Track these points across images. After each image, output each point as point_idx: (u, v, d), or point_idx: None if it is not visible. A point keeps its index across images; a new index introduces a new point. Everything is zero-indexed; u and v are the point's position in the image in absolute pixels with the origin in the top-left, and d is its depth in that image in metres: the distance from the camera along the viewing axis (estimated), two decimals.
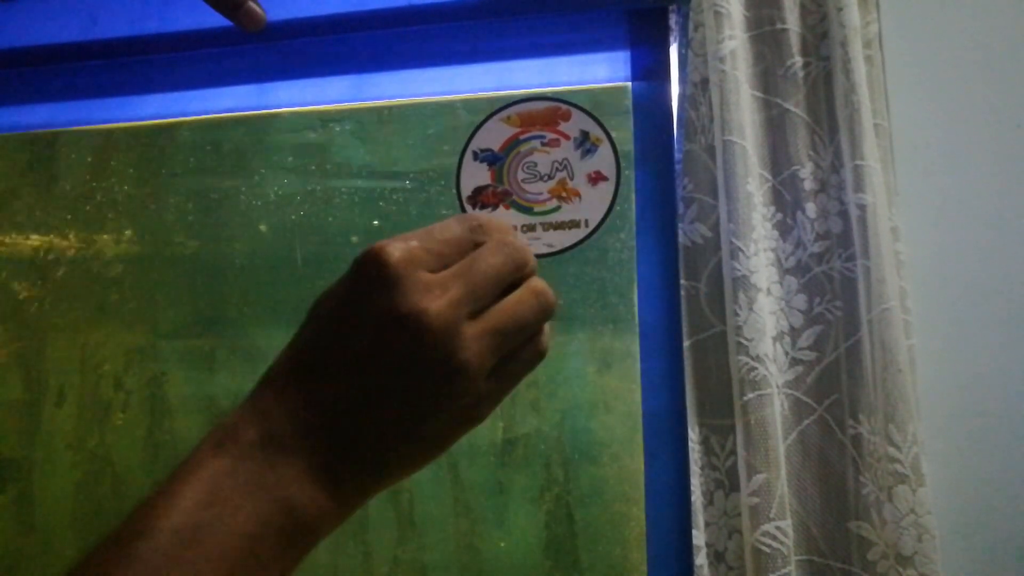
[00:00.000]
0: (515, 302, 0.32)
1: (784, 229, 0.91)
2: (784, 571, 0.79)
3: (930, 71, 0.96)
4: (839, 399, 0.85)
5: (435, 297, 0.29)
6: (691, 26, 0.95)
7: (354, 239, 1.15)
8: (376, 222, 1.15)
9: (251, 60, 1.18)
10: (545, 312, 0.33)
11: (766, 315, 0.85)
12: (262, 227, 1.18)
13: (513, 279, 0.32)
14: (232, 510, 0.27)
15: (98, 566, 0.26)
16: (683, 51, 0.99)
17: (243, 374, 1.15)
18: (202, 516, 0.27)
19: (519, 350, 0.32)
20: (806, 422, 0.87)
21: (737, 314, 0.85)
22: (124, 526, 0.27)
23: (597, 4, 1.04)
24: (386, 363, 0.30)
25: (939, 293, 0.91)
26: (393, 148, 1.17)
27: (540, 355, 0.33)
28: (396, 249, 0.30)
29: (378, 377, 0.30)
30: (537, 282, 0.33)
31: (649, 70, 1.07)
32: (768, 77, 0.94)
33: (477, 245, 0.32)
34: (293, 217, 1.17)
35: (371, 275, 0.30)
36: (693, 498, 0.86)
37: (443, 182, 1.14)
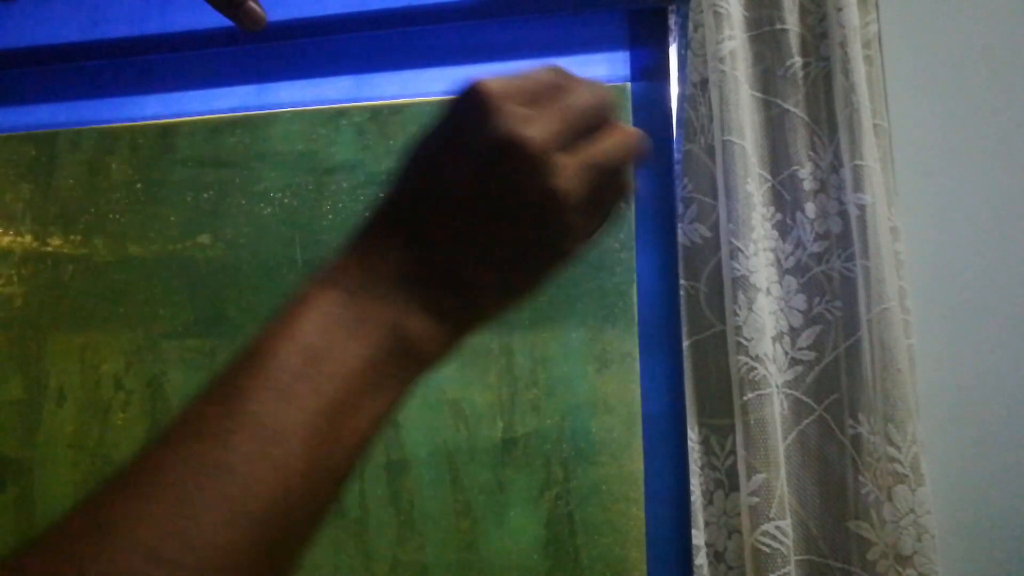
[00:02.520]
0: (607, 139, 0.32)
1: (784, 229, 0.91)
2: (784, 571, 0.79)
3: (929, 71, 0.96)
4: (838, 399, 0.85)
5: (532, 126, 0.30)
6: (691, 26, 0.95)
7: None
8: None
9: (251, 60, 1.18)
10: (632, 151, 0.34)
11: (766, 315, 0.85)
12: (262, 227, 1.18)
13: (600, 119, 0.33)
14: (347, 336, 0.29)
15: (229, 382, 0.27)
16: (683, 51, 0.99)
17: None
18: (320, 341, 0.28)
19: (607, 188, 0.33)
20: (806, 422, 0.87)
21: (737, 314, 0.85)
22: (247, 352, 0.28)
23: (597, 4, 1.04)
24: (484, 192, 0.30)
25: (938, 293, 0.91)
26: (393, 148, 1.17)
27: (626, 193, 0.34)
28: (493, 82, 0.31)
29: (477, 207, 0.30)
30: (623, 125, 0.34)
31: (648, 70, 1.07)
32: (768, 77, 0.94)
33: (564, 88, 0.33)
34: (293, 217, 1.17)
35: (468, 107, 0.31)
36: (693, 498, 0.86)
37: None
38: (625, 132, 0.33)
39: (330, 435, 0.27)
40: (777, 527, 0.80)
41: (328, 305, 0.29)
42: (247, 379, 0.27)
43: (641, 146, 0.34)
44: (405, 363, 0.30)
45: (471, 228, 0.31)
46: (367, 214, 0.33)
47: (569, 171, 0.30)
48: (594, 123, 0.32)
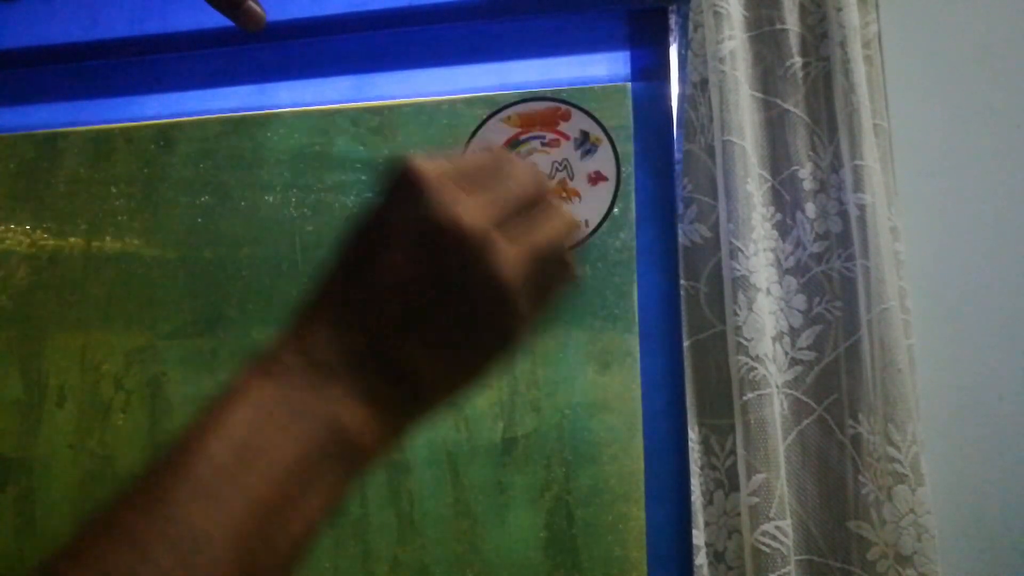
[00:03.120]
0: (544, 219, 0.32)
1: (784, 229, 0.91)
2: (784, 571, 0.79)
3: (929, 71, 0.96)
4: (838, 399, 0.85)
5: (469, 207, 0.29)
6: (691, 26, 0.95)
7: None
8: None
9: (251, 60, 1.18)
10: (571, 231, 0.33)
11: (766, 315, 0.85)
12: (262, 227, 1.18)
13: (536, 200, 0.32)
14: (282, 431, 0.27)
15: (152, 484, 0.26)
16: (683, 51, 0.99)
17: None
18: (253, 437, 0.27)
19: (549, 271, 0.32)
20: (805, 422, 0.87)
21: (737, 314, 0.85)
22: (175, 447, 0.27)
23: (597, 4, 1.04)
24: (425, 281, 0.29)
25: (938, 293, 0.91)
26: (393, 148, 1.17)
27: (571, 277, 0.34)
28: (429, 164, 0.30)
29: (418, 297, 0.29)
30: (559, 205, 0.33)
31: (649, 70, 1.07)
32: (768, 77, 0.94)
33: (500, 170, 0.32)
34: (293, 217, 1.17)
35: (404, 189, 0.30)
36: (693, 498, 0.86)
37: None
38: (562, 214, 0.33)
39: (260, 538, 0.26)
40: (777, 527, 0.80)
41: (260, 398, 0.28)
42: (170, 480, 0.25)
43: (579, 230, 0.34)
44: (342, 458, 0.28)
45: (409, 313, 0.29)
46: (304, 299, 0.31)
47: (509, 254, 0.29)
48: (531, 205, 0.32)
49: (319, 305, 0.31)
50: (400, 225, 0.30)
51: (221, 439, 0.26)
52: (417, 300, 0.29)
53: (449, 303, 0.29)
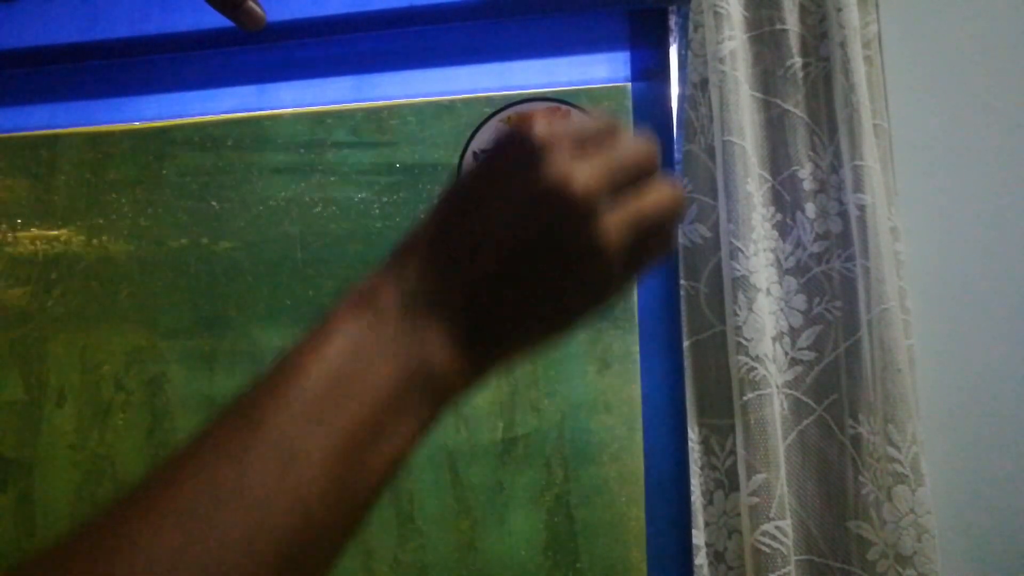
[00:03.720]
0: (652, 195, 0.32)
1: (784, 229, 0.91)
2: (784, 571, 0.79)
3: (929, 71, 0.96)
4: (838, 399, 0.85)
5: (580, 173, 0.30)
6: (691, 27, 0.95)
7: (354, 240, 1.15)
8: (377, 223, 1.15)
9: (251, 61, 1.18)
10: (678, 207, 0.33)
11: (766, 315, 0.85)
12: (262, 227, 1.18)
13: (647, 171, 0.33)
14: (376, 363, 0.28)
15: (251, 403, 0.27)
16: (683, 52, 0.99)
17: (243, 374, 1.15)
18: (348, 366, 0.28)
19: (648, 241, 0.33)
20: (806, 422, 0.87)
21: (737, 314, 0.85)
22: (273, 371, 0.28)
23: (597, 4, 1.04)
24: (527, 235, 0.30)
25: (938, 293, 0.91)
26: (393, 148, 1.17)
27: (669, 248, 0.34)
28: (544, 127, 0.31)
29: (518, 248, 0.30)
30: (670, 181, 0.34)
31: (649, 71, 1.07)
32: (768, 78, 0.94)
33: (612, 139, 0.33)
34: (293, 217, 1.17)
35: (517, 148, 0.31)
36: (693, 498, 0.86)
37: (443, 183, 1.14)
38: (670, 188, 0.33)
39: (353, 461, 0.27)
40: (777, 527, 0.80)
41: (356, 329, 0.29)
42: (270, 398, 0.27)
43: (684, 202, 0.34)
44: (430, 393, 0.30)
45: (509, 268, 0.30)
46: (409, 232, 0.32)
47: (614, 222, 0.30)
48: (640, 175, 0.32)
49: (419, 245, 0.31)
50: (510, 180, 0.31)
51: (318, 365, 0.27)
52: (516, 254, 0.30)
53: (547, 261, 0.30)
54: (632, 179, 0.32)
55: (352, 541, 0.27)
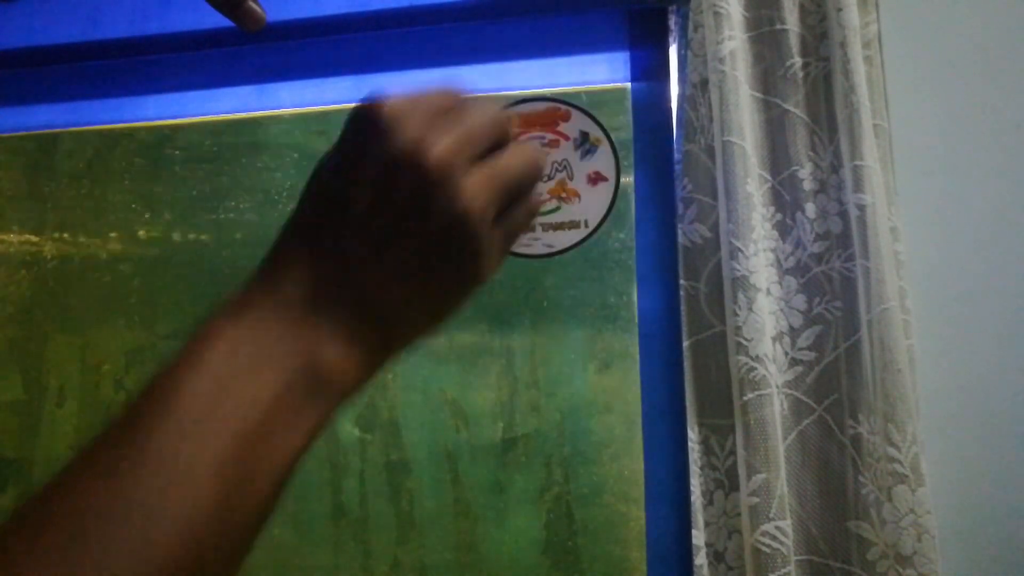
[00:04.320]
0: (510, 156, 0.32)
1: (783, 229, 0.91)
2: (784, 571, 0.79)
3: (929, 71, 0.96)
4: (838, 399, 0.85)
5: (433, 139, 0.29)
6: (691, 27, 0.95)
7: None
8: None
9: (251, 61, 1.18)
10: (537, 169, 0.33)
11: (765, 315, 0.85)
12: (262, 227, 1.18)
13: (500, 137, 0.32)
14: (258, 368, 0.28)
15: (132, 419, 0.26)
16: (683, 52, 0.99)
17: None
18: (230, 373, 0.27)
19: (515, 204, 0.32)
20: (806, 422, 0.87)
21: (737, 314, 0.85)
22: (152, 385, 0.27)
23: (597, 4, 1.04)
24: (390, 210, 0.29)
25: (938, 293, 0.91)
26: None
27: (533, 213, 0.34)
28: (392, 99, 0.30)
29: (383, 228, 0.30)
30: (526, 142, 0.34)
31: (649, 71, 1.07)
32: (768, 78, 0.94)
33: (461, 107, 0.32)
34: None
35: (367, 124, 0.30)
36: (693, 498, 0.86)
37: None
38: (525, 148, 0.33)
39: (241, 471, 0.26)
40: (777, 527, 0.80)
41: (235, 337, 0.28)
42: (151, 415, 0.26)
43: (542, 163, 0.33)
44: (317, 393, 0.29)
45: (376, 247, 0.30)
46: (276, 235, 0.32)
47: (474, 186, 0.30)
48: (494, 141, 0.32)
49: (288, 243, 0.31)
50: (364, 161, 0.30)
51: (199, 375, 0.27)
52: (384, 234, 0.30)
53: (415, 236, 0.30)
54: (487, 141, 0.31)
55: (250, 545, 0.27)
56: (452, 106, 0.31)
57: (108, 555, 0.22)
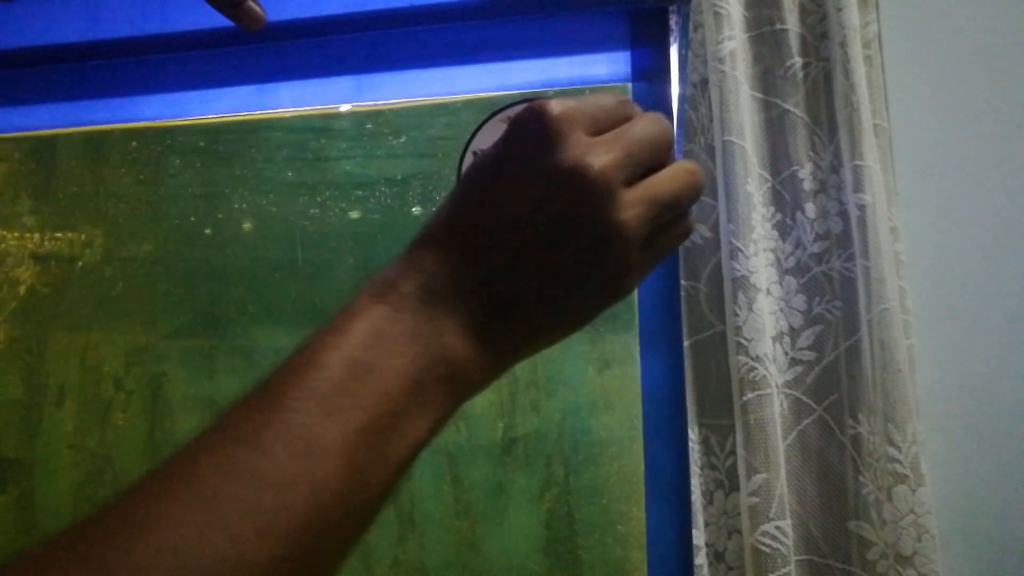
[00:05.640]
0: (670, 176, 0.32)
1: (784, 229, 0.91)
2: (784, 571, 0.79)
3: (930, 71, 0.96)
4: (839, 399, 0.85)
5: (597, 155, 0.29)
6: (691, 26, 0.95)
7: (354, 239, 1.15)
8: (377, 223, 1.15)
9: (251, 61, 1.18)
10: (696, 190, 0.33)
11: (766, 315, 0.85)
12: (262, 227, 1.18)
13: (662, 154, 0.32)
14: (396, 352, 0.28)
15: (270, 391, 0.27)
16: (683, 51, 0.99)
17: (243, 374, 1.15)
18: (368, 355, 0.28)
19: (669, 225, 0.32)
20: (806, 422, 0.87)
21: (737, 314, 0.85)
22: (293, 358, 0.28)
23: (597, 4, 1.04)
24: (545, 220, 0.30)
25: (939, 293, 0.91)
26: (393, 149, 1.17)
27: (687, 233, 0.34)
28: (556, 107, 0.30)
29: (536, 234, 0.30)
30: (688, 161, 0.33)
31: (649, 70, 1.07)
32: (768, 77, 0.94)
33: (627, 119, 0.32)
34: (293, 218, 1.17)
35: (531, 132, 0.30)
36: (693, 498, 0.86)
37: (444, 183, 1.14)
38: (689, 168, 0.33)
39: (369, 453, 0.27)
40: (777, 527, 0.80)
41: (376, 319, 0.29)
42: (290, 388, 0.26)
43: (703, 184, 0.33)
44: (448, 386, 0.29)
45: (526, 254, 0.30)
46: (426, 223, 0.32)
47: (631, 206, 0.30)
48: (657, 155, 0.32)
49: (437, 235, 0.31)
50: (525, 165, 0.30)
51: (338, 354, 0.27)
52: (533, 242, 0.30)
53: (565, 247, 0.30)
54: (648, 159, 0.31)
55: (364, 532, 0.27)
56: (618, 119, 0.31)
57: (235, 522, 0.23)
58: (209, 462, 0.24)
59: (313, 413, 0.26)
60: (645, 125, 0.32)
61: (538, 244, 0.30)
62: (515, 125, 0.31)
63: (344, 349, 0.27)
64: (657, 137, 0.32)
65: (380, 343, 0.28)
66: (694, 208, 0.91)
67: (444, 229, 0.31)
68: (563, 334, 0.33)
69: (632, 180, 0.30)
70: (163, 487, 0.24)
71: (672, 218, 0.32)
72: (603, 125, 0.31)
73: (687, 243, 0.91)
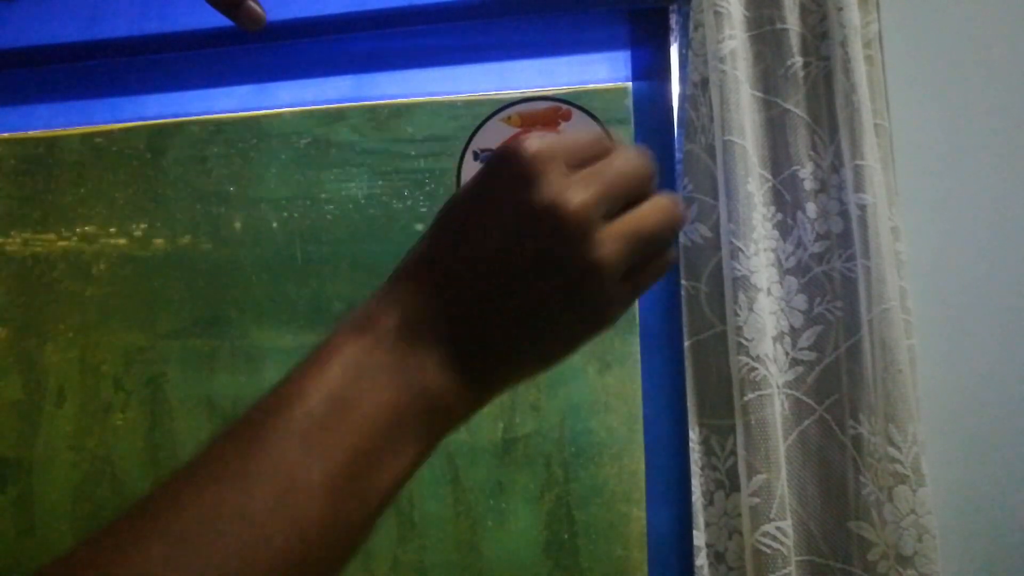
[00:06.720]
0: (649, 210, 0.32)
1: (784, 229, 0.91)
2: (784, 571, 0.79)
3: (930, 71, 0.96)
4: (839, 399, 0.85)
5: (573, 193, 0.29)
6: (691, 26, 0.94)
7: (354, 240, 1.15)
8: (377, 223, 1.15)
9: (251, 60, 1.18)
10: (676, 223, 0.33)
11: (766, 315, 0.85)
12: (262, 227, 1.18)
13: (643, 187, 0.32)
14: (377, 387, 0.28)
15: (251, 426, 0.27)
16: (683, 51, 0.99)
17: (243, 374, 1.15)
18: (349, 390, 0.28)
19: (649, 259, 0.32)
20: (806, 422, 0.87)
21: (737, 314, 0.85)
22: (273, 394, 0.28)
23: (597, 4, 1.04)
24: (521, 257, 0.30)
25: (939, 293, 0.91)
26: (393, 148, 1.17)
27: (667, 267, 0.34)
28: (533, 144, 0.30)
29: (513, 271, 0.30)
30: (667, 196, 0.33)
31: (649, 70, 1.07)
32: (768, 77, 0.94)
33: (607, 153, 0.32)
34: (293, 217, 1.17)
35: (508, 168, 0.30)
36: (693, 498, 0.86)
37: (443, 182, 1.14)
38: (666, 203, 0.33)
39: (351, 488, 0.27)
40: (778, 528, 0.80)
41: (356, 353, 0.29)
42: (271, 422, 0.26)
43: (682, 218, 0.34)
44: (428, 419, 0.29)
45: (504, 290, 0.30)
46: (403, 258, 0.32)
47: (610, 242, 0.30)
48: (636, 191, 0.32)
49: (415, 270, 0.31)
50: (503, 201, 0.30)
51: (318, 389, 0.27)
52: (513, 278, 0.30)
53: (543, 283, 0.30)
54: (627, 194, 0.31)
55: (347, 564, 0.27)
56: (595, 156, 0.31)
57: (217, 559, 0.23)
58: (192, 499, 0.24)
59: (293, 449, 0.26)
60: (624, 160, 0.32)
61: (515, 281, 0.30)
62: (491, 162, 0.31)
63: (323, 385, 0.27)
64: (637, 171, 0.32)
65: (361, 378, 0.28)
66: (694, 209, 0.91)
67: (422, 264, 0.31)
68: (546, 365, 0.33)
69: (612, 214, 0.30)
70: (146, 522, 0.24)
71: (651, 250, 0.32)
72: (582, 160, 0.31)
73: (688, 243, 0.91)
